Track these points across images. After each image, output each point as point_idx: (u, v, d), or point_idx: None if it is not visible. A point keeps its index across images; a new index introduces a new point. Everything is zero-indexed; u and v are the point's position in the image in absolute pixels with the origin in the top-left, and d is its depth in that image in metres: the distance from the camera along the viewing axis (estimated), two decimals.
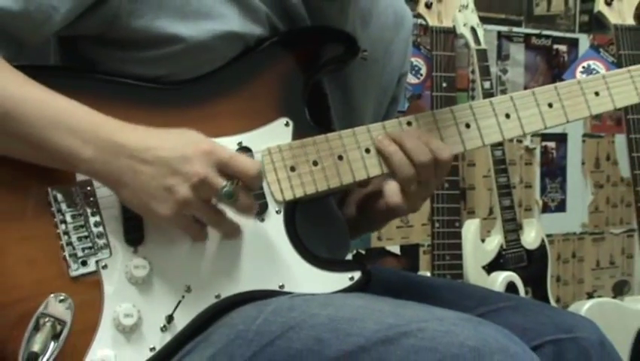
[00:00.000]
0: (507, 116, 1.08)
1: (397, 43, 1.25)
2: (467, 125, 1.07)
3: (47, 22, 0.95)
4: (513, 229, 2.46)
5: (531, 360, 0.88)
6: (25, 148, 0.92)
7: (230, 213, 0.95)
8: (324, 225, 1.14)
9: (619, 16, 1.51)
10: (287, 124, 1.02)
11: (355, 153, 1.03)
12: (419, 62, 2.52)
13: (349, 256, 1.27)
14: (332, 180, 1.02)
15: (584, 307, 1.84)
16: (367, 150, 1.04)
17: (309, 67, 1.06)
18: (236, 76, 1.03)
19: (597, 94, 1.11)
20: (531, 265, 2.48)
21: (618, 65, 1.66)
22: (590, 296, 3.10)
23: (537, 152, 2.99)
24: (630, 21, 1.58)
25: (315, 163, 1.02)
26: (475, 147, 1.08)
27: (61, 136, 0.90)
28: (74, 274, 0.93)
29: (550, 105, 1.09)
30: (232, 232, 0.97)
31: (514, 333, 1.07)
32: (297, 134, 1.02)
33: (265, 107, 1.03)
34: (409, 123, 1.06)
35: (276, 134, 1.02)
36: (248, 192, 0.94)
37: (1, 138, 0.92)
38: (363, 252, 2.56)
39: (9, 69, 0.93)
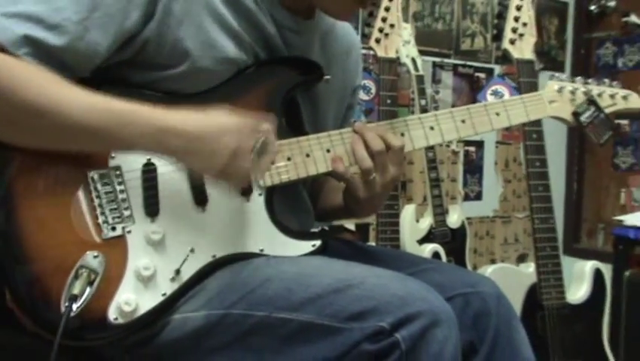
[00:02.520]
0: (432, 128, 1.11)
1: (350, 64, 1.27)
2: (402, 134, 1.10)
3: (95, 56, 0.95)
4: (440, 212, 2.48)
5: (444, 307, 0.91)
6: (96, 146, 0.93)
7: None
8: (295, 206, 1.16)
9: (520, 52, 1.55)
10: None
11: (318, 152, 1.06)
12: (370, 83, 2.54)
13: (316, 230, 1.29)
14: (301, 171, 1.05)
15: (488, 270, 1.84)
16: (328, 150, 1.06)
17: (286, 86, 1.07)
18: (232, 91, 1.04)
19: (497, 114, 1.14)
20: (454, 240, 2.50)
21: (518, 89, 1.70)
22: None
23: (461, 154, 3.01)
24: (528, 56, 1.61)
25: (289, 159, 1.04)
26: (407, 150, 1.10)
27: (126, 131, 0.90)
28: (105, 236, 0.94)
29: (463, 121, 1.12)
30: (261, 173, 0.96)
31: (433, 287, 1.10)
32: (276, 137, 1.03)
33: (252, 116, 1.04)
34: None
35: None
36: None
37: (77, 143, 0.91)
38: (327, 228, 2.55)
39: (77, 89, 0.90)
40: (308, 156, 1.05)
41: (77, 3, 0.92)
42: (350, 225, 2.62)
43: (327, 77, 1.11)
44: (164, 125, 0.90)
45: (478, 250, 3.08)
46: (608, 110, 1.20)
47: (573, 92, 1.20)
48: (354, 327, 0.88)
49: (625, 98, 1.23)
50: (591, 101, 1.18)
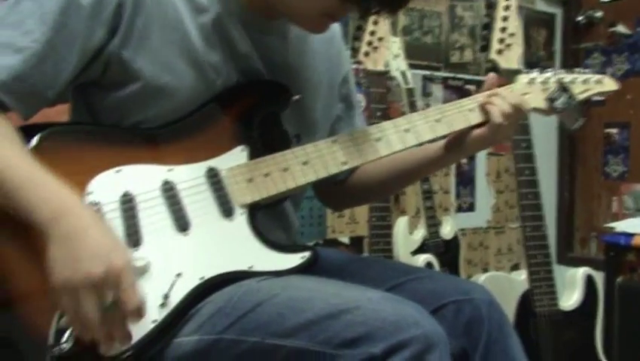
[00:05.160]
0: (407, 130, 1.12)
1: (333, 51, 1.26)
2: (379, 139, 1.11)
3: (61, 75, 0.97)
4: (433, 224, 2.47)
5: (436, 330, 0.89)
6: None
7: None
8: (281, 223, 1.17)
9: (507, 62, 1.56)
10: (243, 150, 1.05)
11: (295, 166, 1.06)
12: (360, 97, 2.54)
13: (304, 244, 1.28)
14: (280, 185, 1.05)
15: (481, 278, 1.84)
16: (305, 163, 1.07)
17: (256, 109, 1.08)
18: (206, 117, 1.06)
19: (471, 110, 1.15)
20: (447, 252, 2.49)
21: None
22: None
23: (453, 166, 2.99)
24: (515, 66, 1.60)
25: (267, 175, 1.04)
26: (387, 153, 1.11)
27: (27, 197, 0.87)
28: None
29: (438, 120, 1.13)
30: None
31: (427, 296, 1.09)
32: (252, 156, 1.05)
33: (227, 139, 1.06)
34: (334, 141, 1.09)
35: (236, 157, 1.05)
36: (124, 319, 0.86)
37: None
38: (321, 242, 2.54)
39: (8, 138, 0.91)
40: (285, 170, 1.05)
41: (43, 23, 0.94)
42: (344, 238, 2.62)
43: (296, 97, 1.12)
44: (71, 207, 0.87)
45: (472, 260, 3.06)
46: (581, 96, 1.22)
47: (545, 82, 1.21)
48: (346, 354, 0.86)
49: (599, 82, 1.25)
50: (564, 88, 1.20)
